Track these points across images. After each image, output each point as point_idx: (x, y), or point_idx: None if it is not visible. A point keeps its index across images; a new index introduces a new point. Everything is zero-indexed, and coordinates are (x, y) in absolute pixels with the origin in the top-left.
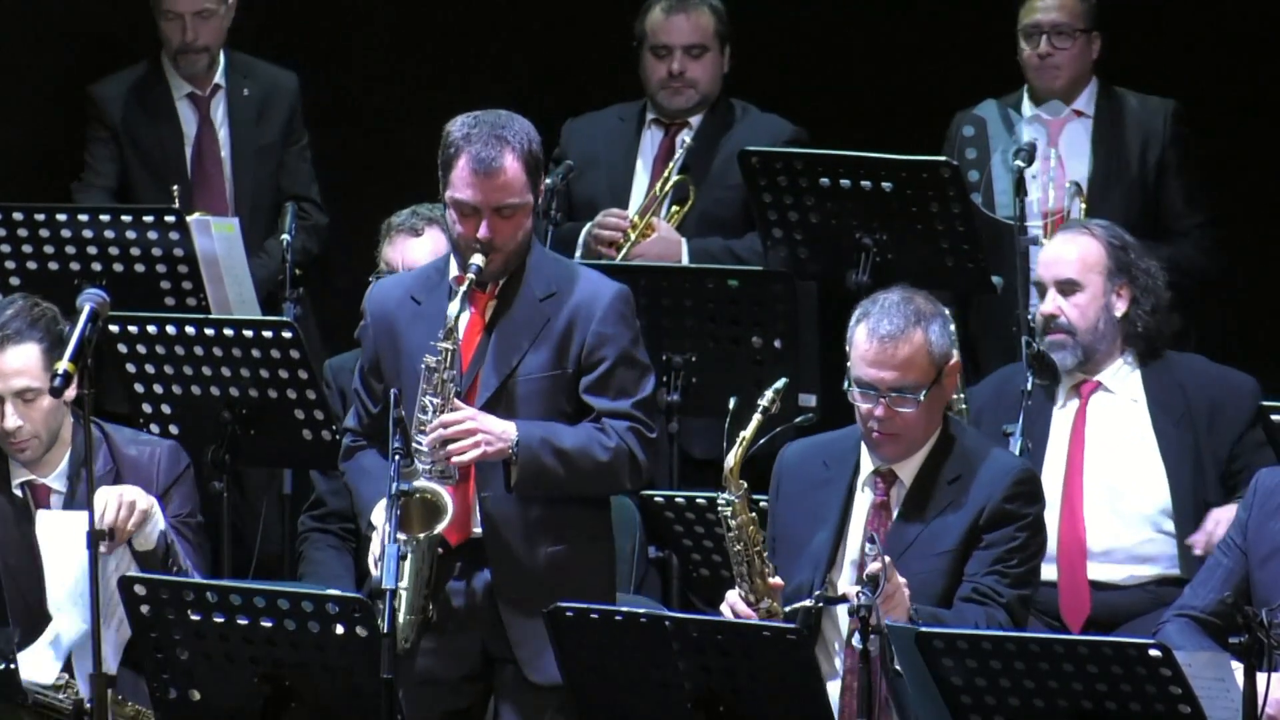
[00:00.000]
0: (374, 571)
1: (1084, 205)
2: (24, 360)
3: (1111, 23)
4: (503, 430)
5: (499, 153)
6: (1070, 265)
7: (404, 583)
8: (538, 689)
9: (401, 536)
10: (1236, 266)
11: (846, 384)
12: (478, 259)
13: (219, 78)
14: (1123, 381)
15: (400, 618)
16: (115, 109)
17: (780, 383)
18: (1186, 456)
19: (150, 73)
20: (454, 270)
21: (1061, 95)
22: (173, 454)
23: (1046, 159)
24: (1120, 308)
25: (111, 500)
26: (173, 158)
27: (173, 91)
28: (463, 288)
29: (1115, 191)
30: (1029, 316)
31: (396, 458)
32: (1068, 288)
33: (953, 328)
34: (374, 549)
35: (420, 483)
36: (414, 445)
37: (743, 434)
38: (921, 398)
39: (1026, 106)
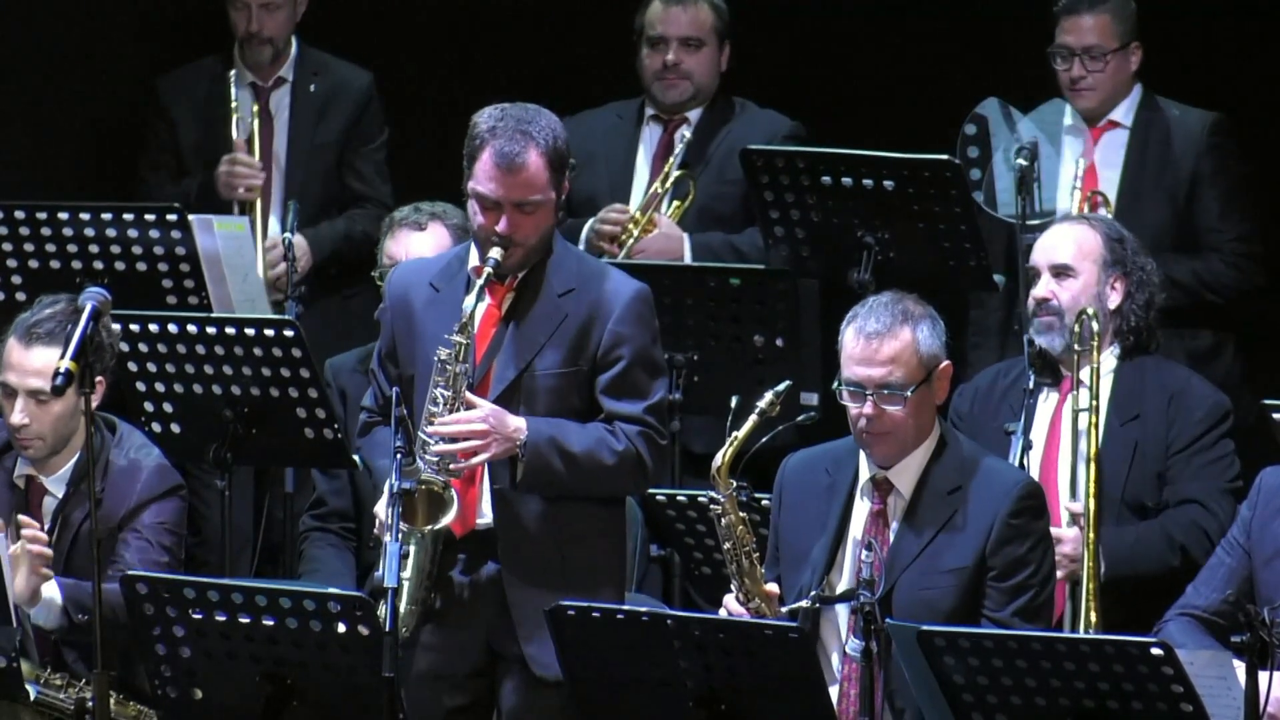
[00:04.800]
0: (380, 515)
1: (1110, 216)
2: (46, 362)
3: (1157, 32)
4: (514, 429)
5: (523, 148)
6: (1066, 251)
7: (406, 574)
8: (544, 684)
9: (405, 527)
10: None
11: (836, 384)
12: (495, 252)
13: (286, 71)
14: (1100, 378)
15: (401, 606)
16: (174, 100)
17: (783, 385)
18: (1125, 456)
19: (219, 63)
20: (474, 260)
21: (1099, 110)
22: (158, 473)
23: (1075, 168)
24: (1114, 300)
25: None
26: (222, 147)
27: (236, 80)
28: (480, 281)
29: (1144, 203)
30: (1029, 315)
31: (399, 456)
32: (1061, 272)
33: (944, 331)
34: (378, 516)
35: (426, 475)
36: (420, 437)
37: (735, 434)
38: (908, 395)
39: (1068, 114)
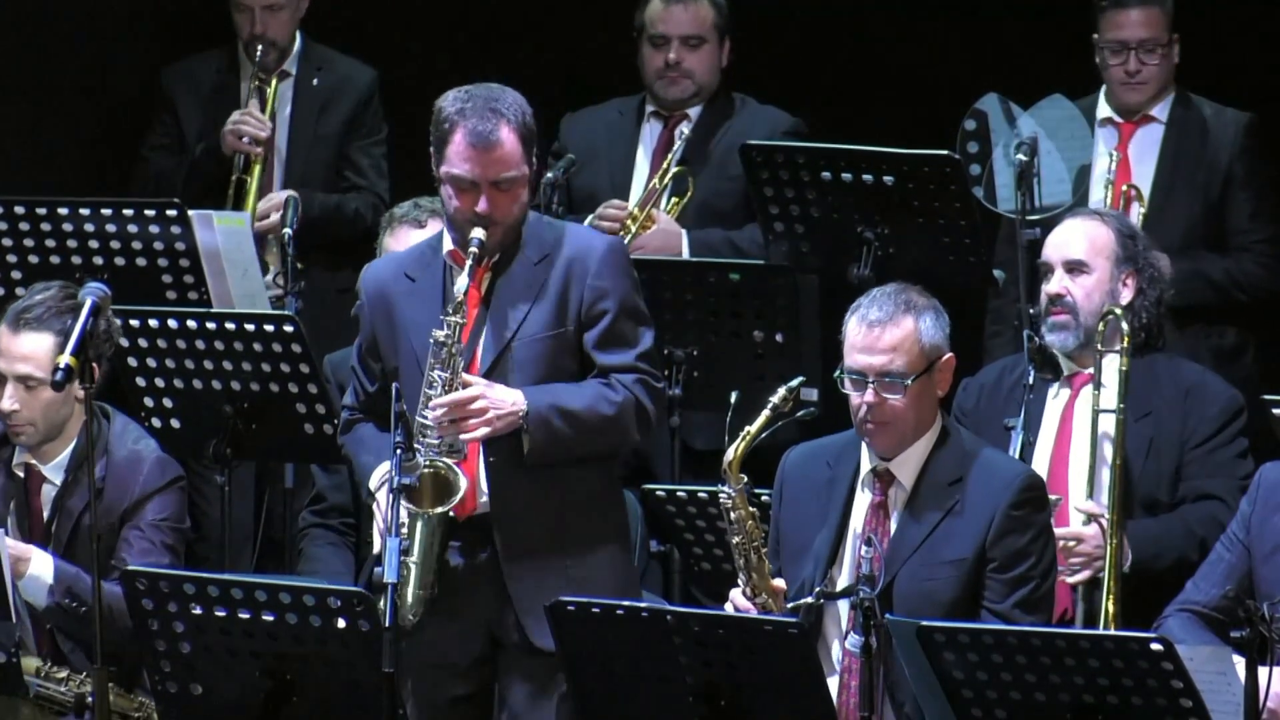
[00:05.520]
0: (375, 544)
1: (1143, 210)
2: (34, 348)
3: (1193, 31)
4: (513, 401)
5: (495, 126)
6: (1079, 247)
7: (414, 557)
8: (544, 656)
9: (413, 508)
10: None
11: (838, 372)
12: (478, 233)
13: (290, 65)
14: (1113, 374)
15: (409, 593)
16: (178, 90)
17: (795, 381)
18: (1139, 452)
19: (225, 56)
20: (448, 245)
21: (1146, 104)
22: (159, 465)
23: (1109, 161)
24: (1125, 296)
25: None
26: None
27: (241, 75)
28: (469, 262)
29: (1177, 199)
30: (1030, 310)
31: (399, 451)
32: (1075, 268)
33: (947, 323)
34: (377, 517)
35: (431, 458)
36: (420, 421)
37: (748, 428)
38: (908, 383)
39: (1101, 107)
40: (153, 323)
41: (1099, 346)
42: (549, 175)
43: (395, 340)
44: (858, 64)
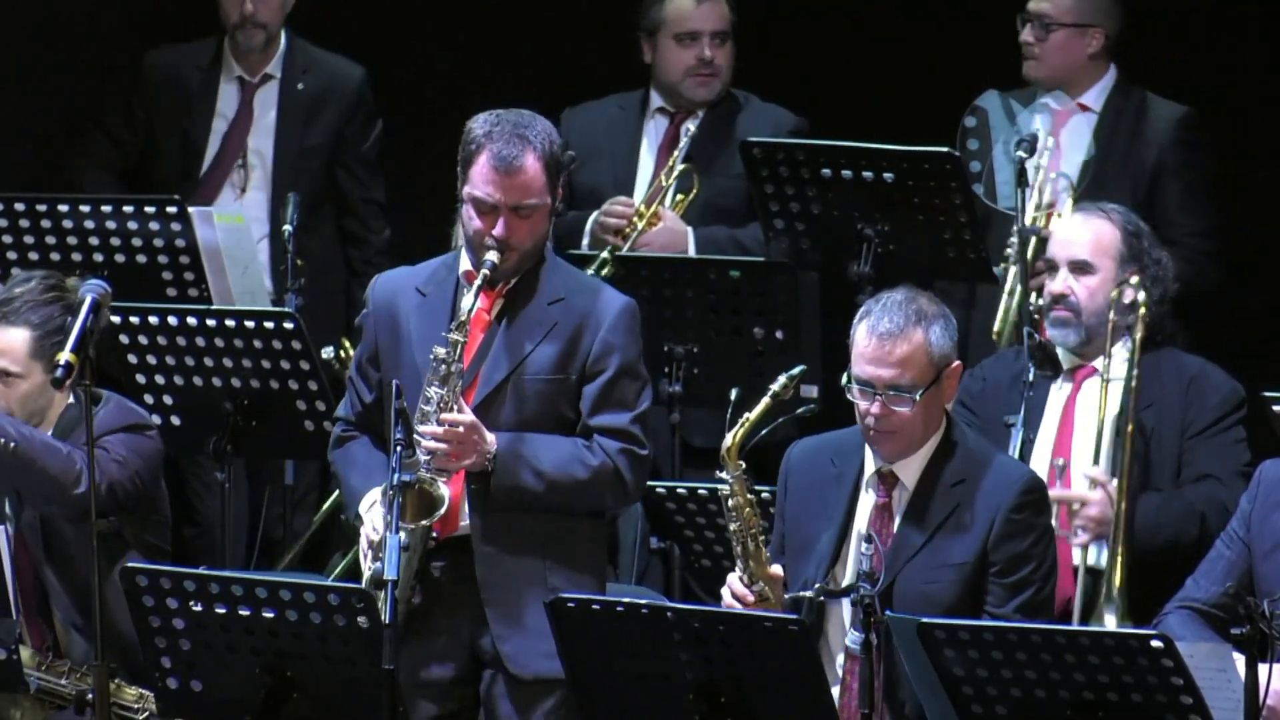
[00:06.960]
0: (365, 565)
1: (1071, 199)
2: (8, 342)
3: (1139, 25)
4: (489, 442)
5: (520, 152)
6: (1085, 246)
7: None
8: (524, 684)
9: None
10: (1240, 274)
11: (846, 380)
12: (492, 255)
13: (274, 68)
14: (1116, 369)
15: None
16: (161, 81)
17: (796, 369)
18: (1140, 442)
19: (213, 49)
20: (464, 265)
21: (1051, 86)
22: (118, 408)
23: (1045, 148)
24: (1129, 295)
25: None
26: (197, 138)
27: (221, 73)
28: (477, 282)
29: (1106, 188)
30: (1030, 307)
31: (399, 448)
32: (1080, 268)
33: (955, 330)
34: (364, 541)
35: (419, 472)
36: (414, 436)
37: (746, 414)
38: (918, 397)
39: (1042, 92)
40: (153, 319)
41: (1113, 316)
42: None
43: (398, 353)
44: (858, 63)
